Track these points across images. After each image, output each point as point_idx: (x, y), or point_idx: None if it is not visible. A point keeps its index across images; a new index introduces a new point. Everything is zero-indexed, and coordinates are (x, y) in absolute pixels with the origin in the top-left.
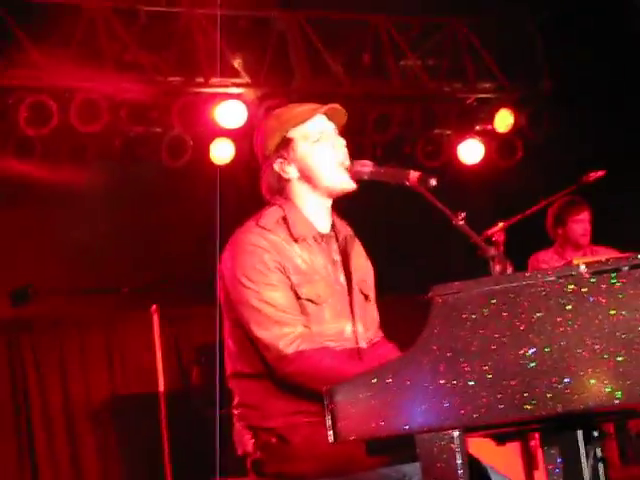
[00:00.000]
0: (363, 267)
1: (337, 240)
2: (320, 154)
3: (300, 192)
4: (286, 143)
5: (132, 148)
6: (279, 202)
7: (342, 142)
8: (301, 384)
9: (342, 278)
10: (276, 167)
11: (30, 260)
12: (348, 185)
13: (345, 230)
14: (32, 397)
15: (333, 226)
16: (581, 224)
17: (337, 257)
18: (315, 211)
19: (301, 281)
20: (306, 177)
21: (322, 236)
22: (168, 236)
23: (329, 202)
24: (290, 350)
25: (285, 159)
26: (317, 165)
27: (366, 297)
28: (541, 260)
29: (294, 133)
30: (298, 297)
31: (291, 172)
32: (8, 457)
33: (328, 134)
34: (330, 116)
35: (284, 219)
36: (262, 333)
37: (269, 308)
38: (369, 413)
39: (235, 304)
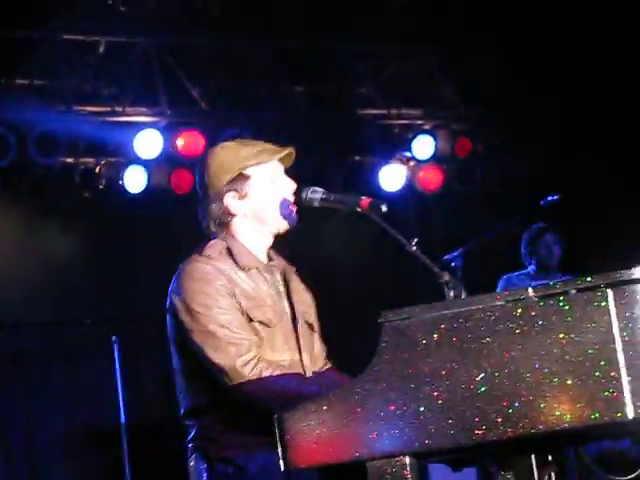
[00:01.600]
0: (306, 299)
1: (279, 271)
2: (275, 194)
3: (243, 228)
4: (243, 179)
5: (91, 179)
6: (220, 236)
7: (294, 186)
8: (259, 405)
9: (287, 308)
10: (226, 201)
11: None
12: (293, 222)
13: (282, 262)
14: None
15: (272, 258)
16: (545, 247)
17: (282, 288)
18: (255, 245)
19: (251, 305)
20: (256, 214)
21: (265, 267)
22: (131, 267)
23: (271, 239)
24: (248, 371)
25: (238, 194)
26: (271, 204)
27: (310, 327)
28: (513, 282)
29: (252, 171)
30: (250, 320)
31: (241, 208)
32: None
33: (281, 176)
34: (281, 158)
35: (228, 250)
36: (218, 356)
37: (223, 331)
38: (319, 441)
39: (187, 332)
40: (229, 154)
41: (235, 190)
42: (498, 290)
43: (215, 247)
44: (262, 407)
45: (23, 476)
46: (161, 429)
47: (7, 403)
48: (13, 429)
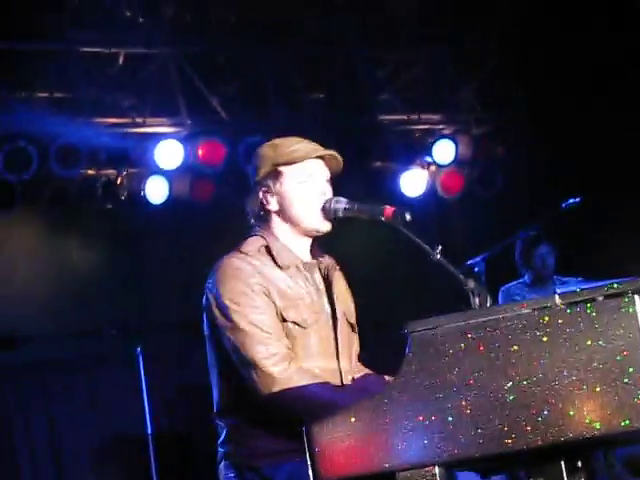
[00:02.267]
0: (347, 298)
1: (320, 269)
2: (302, 195)
3: (280, 224)
4: (275, 175)
5: (113, 190)
6: (260, 232)
7: (328, 191)
8: (286, 407)
9: (327, 307)
10: (260, 195)
11: (11, 306)
12: (321, 226)
13: (326, 260)
14: (18, 442)
15: (314, 256)
16: (539, 258)
17: (321, 286)
18: (294, 242)
19: (286, 305)
20: (284, 213)
21: (305, 264)
22: (153, 278)
23: (308, 238)
24: (276, 370)
25: (269, 190)
26: (296, 206)
27: (352, 326)
28: (512, 292)
29: (285, 168)
30: (284, 319)
31: (272, 204)
32: None
33: (316, 179)
34: (327, 161)
35: (266, 248)
36: (248, 355)
37: (255, 329)
38: (348, 452)
39: (221, 329)
40: (269, 150)
41: (267, 186)
42: (501, 303)
43: (254, 244)
44: (289, 411)
45: None
46: (187, 438)
47: (30, 416)
48: (38, 442)
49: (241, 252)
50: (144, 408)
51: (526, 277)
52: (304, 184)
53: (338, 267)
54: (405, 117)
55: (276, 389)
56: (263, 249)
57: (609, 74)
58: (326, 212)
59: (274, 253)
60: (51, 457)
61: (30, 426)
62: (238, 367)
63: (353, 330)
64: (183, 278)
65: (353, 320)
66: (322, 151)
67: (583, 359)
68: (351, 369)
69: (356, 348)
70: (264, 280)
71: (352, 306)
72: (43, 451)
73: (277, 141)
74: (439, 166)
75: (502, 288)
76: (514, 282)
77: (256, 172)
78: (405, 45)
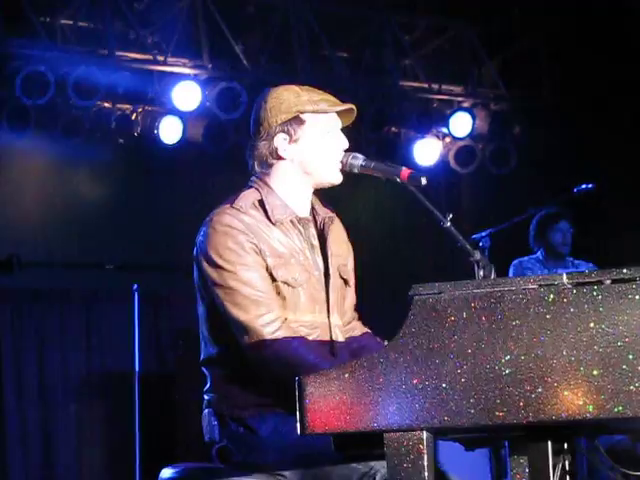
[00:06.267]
0: (343, 251)
1: (316, 224)
2: (326, 147)
3: (286, 174)
4: (298, 122)
5: (126, 125)
6: (255, 185)
7: (346, 144)
8: (273, 369)
9: (320, 263)
10: (276, 141)
11: (14, 230)
12: (337, 180)
13: (324, 213)
14: (5, 366)
15: (312, 209)
16: (560, 233)
17: (315, 241)
18: (294, 195)
19: (277, 263)
20: (302, 162)
21: (300, 220)
22: (158, 216)
23: (311, 191)
24: (267, 333)
25: (290, 137)
26: (317, 156)
27: (345, 282)
28: (525, 266)
29: (309, 117)
30: (273, 279)
31: (288, 151)
32: None
33: (336, 130)
34: (341, 115)
35: (260, 202)
36: (239, 314)
37: (246, 288)
38: (339, 408)
39: (210, 286)
40: (290, 95)
41: (287, 132)
42: (511, 275)
43: (247, 198)
44: (273, 371)
45: (33, 412)
46: (173, 380)
47: (22, 339)
48: (26, 366)
49: (233, 207)
50: (134, 346)
51: (539, 253)
52: (327, 136)
53: (336, 219)
54: (426, 85)
55: (264, 349)
56: (257, 203)
57: (635, 58)
58: (343, 166)
59: (268, 208)
60: (37, 382)
61: (20, 348)
62: (226, 322)
63: (346, 284)
64: (188, 222)
65: (347, 275)
66: (346, 105)
67: (584, 341)
68: (342, 324)
69: (350, 302)
70: (255, 238)
71: (349, 259)
72: (30, 375)
73: (296, 88)
74: (454, 138)
75: (514, 261)
76: (527, 257)
77: (271, 115)
78: (434, 14)
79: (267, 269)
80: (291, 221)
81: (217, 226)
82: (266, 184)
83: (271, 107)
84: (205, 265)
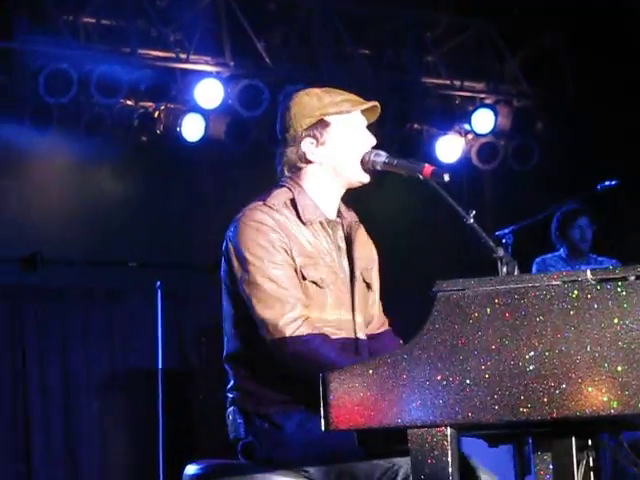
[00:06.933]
0: (367, 255)
1: (343, 227)
2: (353, 146)
3: (316, 177)
4: (323, 126)
5: (149, 123)
6: (288, 184)
7: (373, 141)
8: (295, 367)
9: (346, 265)
10: (303, 146)
11: (37, 228)
12: (365, 178)
13: (350, 217)
14: (30, 365)
15: (339, 213)
16: (579, 230)
17: (342, 244)
18: (325, 197)
19: (306, 263)
20: (331, 164)
21: (329, 222)
22: (181, 214)
23: (342, 191)
24: (290, 331)
25: (316, 141)
26: (347, 156)
27: (368, 285)
28: (548, 264)
29: (333, 119)
30: (303, 278)
31: (316, 155)
32: (2, 424)
33: (362, 129)
34: (365, 112)
35: (292, 201)
36: (263, 310)
37: (272, 285)
38: (363, 404)
39: (237, 281)
40: (312, 99)
41: (313, 136)
42: (534, 272)
43: (280, 197)
44: (295, 368)
45: (56, 410)
46: (197, 377)
47: (46, 338)
48: (50, 364)
49: (266, 204)
50: (157, 343)
51: (562, 250)
52: (354, 135)
53: (358, 222)
54: (448, 82)
55: (287, 347)
56: (289, 202)
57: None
58: (364, 164)
59: (299, 208)
60: (61, 380)
61: (43, 347)
62: (251, 318)
63: (369, 288)
64: (210, 219)
65: (370, 280)
66: (369, 103)
67: (608, 337)
68: (365, 325)
69: (377, 307)
70: (286, 236)
71: (374, 264)
72: (53, 373)
73: (317, 90)
74: (476, 135)
75: (537, 259)
76: (550, 254)
77: (296, 121)
78: (457, 11)
79: (296, 268)
80: (320, 222)
81: (249, 222)
82: (298, 184)
83: (294, 113)
84: (234, 260)
